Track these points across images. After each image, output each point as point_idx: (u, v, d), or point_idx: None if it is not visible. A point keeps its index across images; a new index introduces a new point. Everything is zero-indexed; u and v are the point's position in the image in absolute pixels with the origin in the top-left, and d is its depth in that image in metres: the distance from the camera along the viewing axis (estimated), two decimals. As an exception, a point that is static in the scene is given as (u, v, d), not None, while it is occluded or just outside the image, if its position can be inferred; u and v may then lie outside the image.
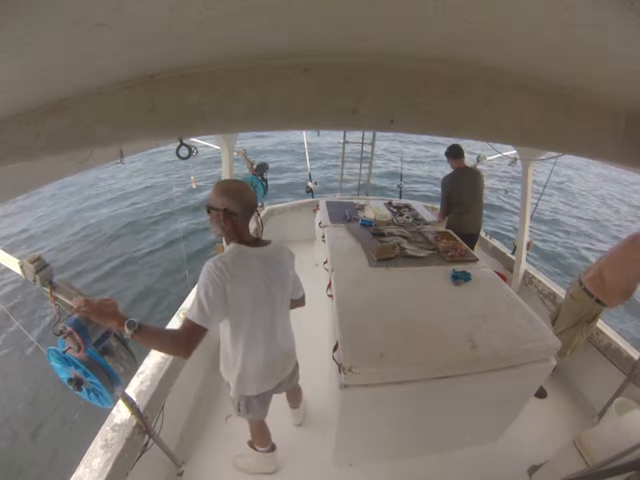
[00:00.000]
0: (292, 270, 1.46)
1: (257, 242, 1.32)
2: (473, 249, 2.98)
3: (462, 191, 3.00)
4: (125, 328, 1.02)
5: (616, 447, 1.21)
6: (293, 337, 1.60)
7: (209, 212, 1.25)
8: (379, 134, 4.48)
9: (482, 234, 3.74)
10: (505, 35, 0.58)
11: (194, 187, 3.58)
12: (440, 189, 3.14)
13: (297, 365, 1.70)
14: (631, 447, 1.15)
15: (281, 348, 1.47)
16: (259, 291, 1.27)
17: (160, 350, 1.22)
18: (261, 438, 1.74)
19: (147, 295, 5.11)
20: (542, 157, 2.60)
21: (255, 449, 1.78)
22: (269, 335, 1.38)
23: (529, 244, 2.94)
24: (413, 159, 11.88)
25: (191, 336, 1.12)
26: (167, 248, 6.35)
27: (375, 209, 3.12)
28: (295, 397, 1.98)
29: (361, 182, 4.65)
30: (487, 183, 3.37)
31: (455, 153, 3.02)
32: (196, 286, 1.22)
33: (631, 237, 1.96)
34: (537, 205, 3.15)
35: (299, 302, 1.63)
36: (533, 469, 1.74)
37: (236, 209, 1.21)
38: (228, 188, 1.24)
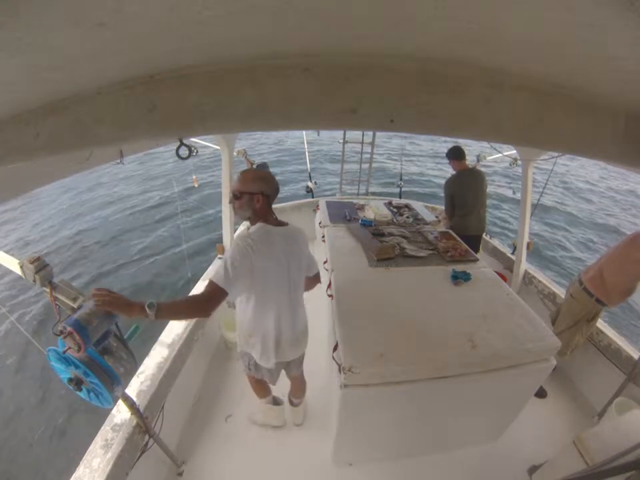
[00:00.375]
0: (306, 248, 1.59)
1: (279, 223, 1.48)
2: (477, 250, 2.97)
3: (464, 193, 2.99)
4: (147, 310, 1.09)
5: (616, 447, 1.21)
6: (306, 319, 1.70)
7: (237, 197, 1.39)
8: (378, 133, 4.49)
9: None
10: (505, 35, 0.58)
11: (196, 185, 3.56)
12: (443, 191, 3.15)
13: (303, 354, 1.79)
14: (631, 447, 1.14)
15: (294, 323, 1.58)
16: (280, 265, 1.43)
17: (183, 318, 1.45)
18: (258, 391, 1.92)
19: (146, 295, 5.12)
20: (542, 157, 2.60)
21: (262, 402, 1.96)
22: (286, 308, 1.52)
23: (528, 244, 2.94)
24: (404, 153, 11.75)
25: (212, 297, 1.25)
26: (166, 248, 6.36)
27: (375, 209, 3.11)
28: (299, 388, 2.00)
29: (361, 182, 4.66)
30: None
31: (456, 154, 3.02)
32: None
33: (631, 237, 1.95)
34: (537, 202, 3.13)
35: (314, 279, 1.74)
36: (532, 469, 1.74)
37: (269, 192, 1.40)
38: (262, 175, 1.42)
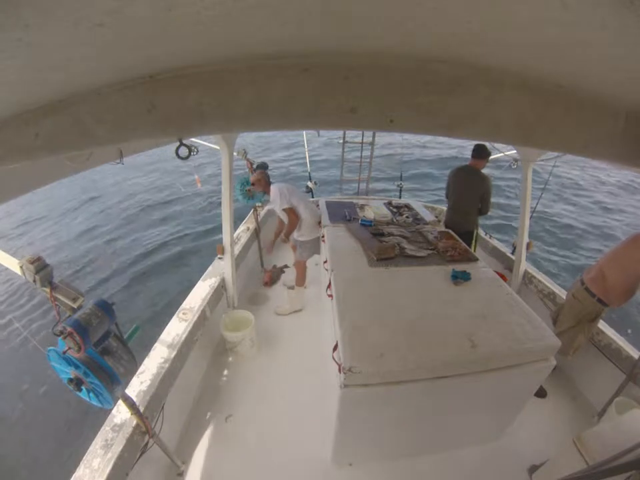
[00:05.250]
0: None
1: None
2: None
3: (455, 185, 3.22)
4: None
5: (616, 447, 1.21)
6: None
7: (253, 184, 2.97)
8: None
9: (482, 234, 3.74)
10: (504, 35, 0.58)
11: (199, 186, 3.50)
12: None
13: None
14: (631, 447, 1.14)
15: (316, 217, 2.96)
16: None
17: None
18: (301, 280, 3.07)
19: (146, 294, 5.13)
20: (542, 158, 2.60)
21: (295, 290, 3.10)
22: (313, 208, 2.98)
23: (528, 244, 2.94)
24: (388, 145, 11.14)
25: (292, 215, 2.78)
26: (166, 247, 6.37)
27: (375, 209, 3.12)
28: None
29: (361, 182, 4.66)
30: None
31: (473, 151, 3.23)
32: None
33: (632, 237, 1.95)
34: (537, 203, 3.15)
35: None
36: (533, 469, 1.74)
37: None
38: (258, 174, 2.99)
